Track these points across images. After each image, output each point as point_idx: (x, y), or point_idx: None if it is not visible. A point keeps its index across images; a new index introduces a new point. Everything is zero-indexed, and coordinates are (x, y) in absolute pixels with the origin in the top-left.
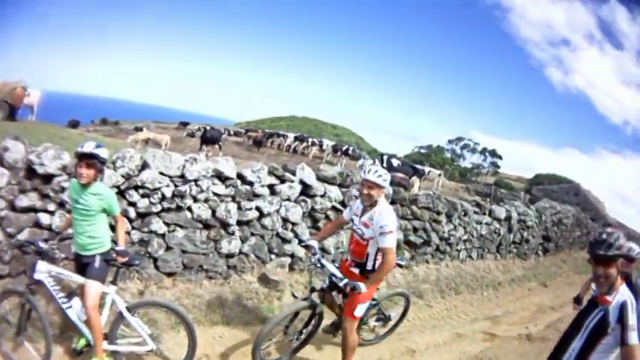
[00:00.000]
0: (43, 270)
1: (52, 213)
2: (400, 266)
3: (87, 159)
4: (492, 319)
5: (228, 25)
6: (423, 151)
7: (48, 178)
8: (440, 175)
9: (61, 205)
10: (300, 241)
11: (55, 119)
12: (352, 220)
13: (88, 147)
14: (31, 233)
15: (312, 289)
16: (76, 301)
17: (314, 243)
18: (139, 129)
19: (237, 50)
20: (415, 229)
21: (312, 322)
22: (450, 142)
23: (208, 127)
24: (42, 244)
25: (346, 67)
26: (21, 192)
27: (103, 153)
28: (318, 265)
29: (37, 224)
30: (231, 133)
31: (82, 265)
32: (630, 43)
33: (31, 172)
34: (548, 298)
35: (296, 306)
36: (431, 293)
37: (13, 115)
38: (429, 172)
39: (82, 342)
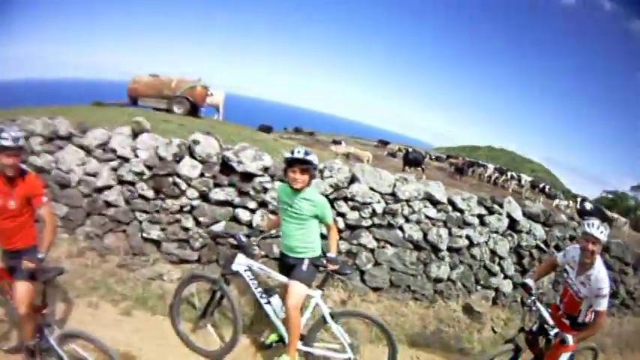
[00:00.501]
0: (242, 263)
1: (252, 211)
2: None
3: (301, 164)
4: None
5: (423, 44)
6: (610, 196)
7: (247, 176)
8: (626, 224)
9: (263, 204)
10: (506, 277)
11: (240, 122)
12: (566, 271)
13: (300, 153)
14: (227, 227)
15: (521, 330)
16: (275, 298)
17: (531, 283)
18: (337, 142)
19: (440, 74)
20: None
21: None
22: (633, 188)
23: (410, 149)
24: (243, 239)
25: (541, 101)
26: (216, 185)
27: (315, 160)
28: (533, 307)
29: (235, 219)
30: (432, 157)
31: (287, 266)
32: None
33: (227, 168)
34: None
35: (502, 348)
36: (611, 348)
37: (196, 112)
38: (617, 219)
39: (273, 337)
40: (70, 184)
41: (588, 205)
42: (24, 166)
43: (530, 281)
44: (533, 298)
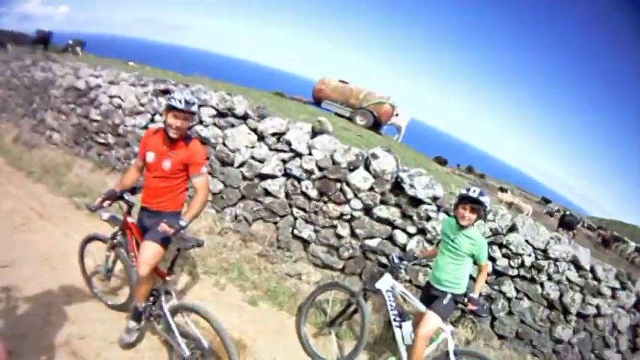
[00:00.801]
0: (388, 283)
1: (410, 235)
2: None
3: (473, 203)
4: None
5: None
6: None
7: (416, 201)
8: None
9: (422, 231)
10: (619, 351)
11: (418, 148)
12: None
13: (474, 193)
14: (381, 244)
15: None
16: (407, 324)
17: None
18: (504, 190)
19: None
20: None
21: None
22: None
23: (568, 212)
24: (396, 260)
25: None
26: (382, 202)
27: (488, 201)
28: None
29: (391, 238)
30: (585, 224)
31: (428, 296)
32: None
33: (397, 188)
34: None
35: None
36: None
37: (377, 127)
38: None
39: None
40: (233, 164)
41: None
42: (190, 132)
43: None
44: None
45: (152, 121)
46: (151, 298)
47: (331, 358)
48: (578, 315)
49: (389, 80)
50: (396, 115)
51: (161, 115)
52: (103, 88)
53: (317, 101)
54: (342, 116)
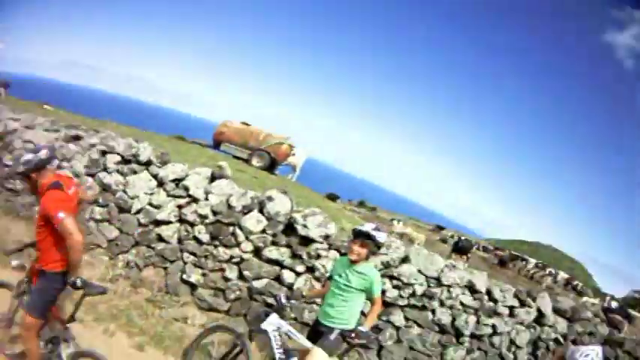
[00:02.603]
0: (274, 323)
1: (297, 274)
2: None
3: (363, 238)
4: None
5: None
6: (637, 295)
7: (307, 240)
8: None
9: (311, 269)
10: None
11: (312, 186)
12: None
13: (368, 227)
14: (268, 285)
15: None
16: None
17: None
18: (396, 221)
19: (503, 166)
20: None
21: None
22: None
23: (462, 237)
24: (284, 300)
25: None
26: (273, 244)
27: (381, 238)
28: None
29: (278, 278)
30: (480, 247)
31: (316, 332)
32: None
33: (290, 229)
34: None
35: None
36: None
37: (272, 168)
38: (637, 318)
39: None
40: (130, 210)
41: (614, 304)
42: (56, 179)
43: None
44: None
45: (59, 167)
46: (49, 346)
47: None
48: (472, 336)
49: (284, 116)
50: (293, 154)
51: (69, 161)
52: (18, 132)
53: (217, 144)
54: (239, 158)
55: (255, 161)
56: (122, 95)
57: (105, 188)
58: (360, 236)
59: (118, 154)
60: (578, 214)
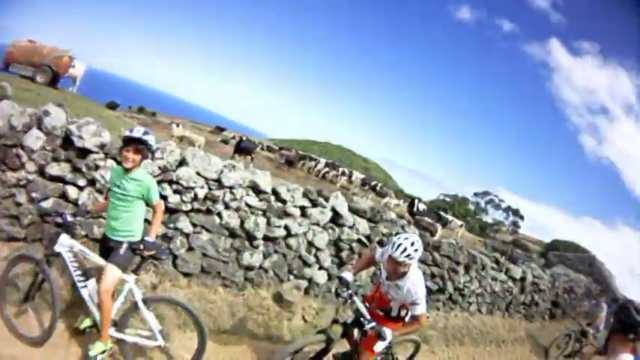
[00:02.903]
0: (65, 244)
1: (81, 188)
2: None
3: (136, 144)
4: None
5: (276, 41)
6: (447, 199)
7: (84, 152)
8: (462, 226)
9: (92, 182)
10: (322, 268)
11: (94, 97)
12: (380, 271)
13: (138, 132)
14: (55, 203)
15: (335, 321)
16: (92, 282)
17: (348, 276)
18: (176, 124)
19: (277, 64)
20: (433, 275)
21: (322, 356)
22: (475, 194)
23: (244, 138)
24: (69, 218)
25: (384, 100)
26: (54, 160)
27: (152, 140)
28: (349, 300)
29: (64, 196)
30: (264, 147)
31: (107, 249)
32: None
33: (68, 142)
34: None
35: (313, 338)
36: (436, 340)
37: (55, 82)
38: (452, 221)
39: (87, 322)
40: None
41: (422, 206)
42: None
43: (347, 274)
44: (349, 291)
45: None
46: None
47: (35, 334)
48: (266, 239)
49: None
50: (73, 66)
51: None
52: None
53: (6, 66)
54: (26, 77)
55: (39, 78)
56: None
57: None
58: (131, 142)
59: None
60: (378, 116)
